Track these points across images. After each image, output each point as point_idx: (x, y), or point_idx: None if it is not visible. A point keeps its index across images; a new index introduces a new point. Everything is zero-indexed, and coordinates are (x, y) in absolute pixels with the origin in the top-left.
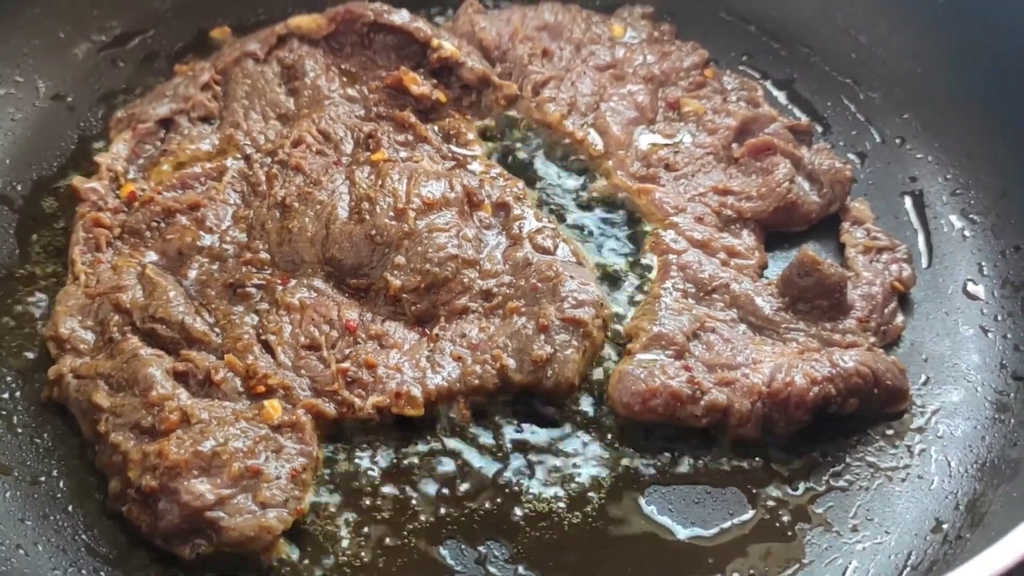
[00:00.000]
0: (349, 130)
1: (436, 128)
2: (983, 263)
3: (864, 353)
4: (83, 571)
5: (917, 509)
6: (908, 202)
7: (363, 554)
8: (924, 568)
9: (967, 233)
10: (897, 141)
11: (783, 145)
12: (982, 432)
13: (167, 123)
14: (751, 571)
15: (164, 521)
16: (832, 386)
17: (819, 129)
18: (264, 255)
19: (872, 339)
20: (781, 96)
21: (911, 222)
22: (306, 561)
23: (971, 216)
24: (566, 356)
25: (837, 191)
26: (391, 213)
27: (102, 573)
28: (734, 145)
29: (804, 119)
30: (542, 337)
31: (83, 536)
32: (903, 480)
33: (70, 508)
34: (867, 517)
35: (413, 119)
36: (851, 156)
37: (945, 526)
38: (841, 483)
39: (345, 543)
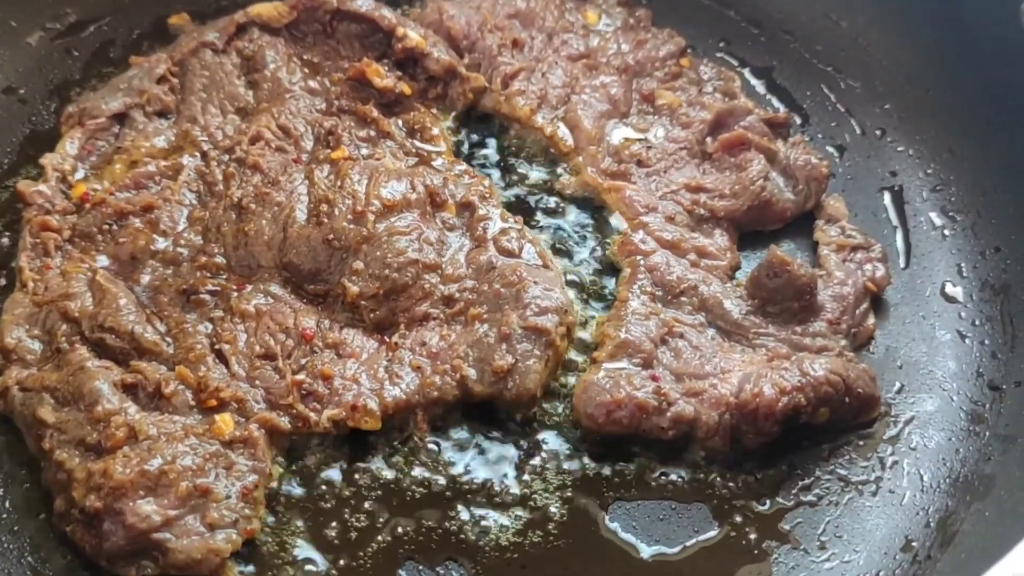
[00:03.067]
0: (310, 125)
1: (400, 122)
2: (962, 264)
3: (835, 360)
4: None
5: (887, 526)
6: (887, 198)
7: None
8: None
9: (947, 232)
10: (877, 133)
11: (758, 140)
12: (956, 445)
13: (121, 118)
14: None
15: (109, 543)
16: (802, 395)
17: (797, 120)
18: (219, 259)
19: (843, 342)
20: (759, 85)
21: (889, 219)
22: None
23: (951, 214)
24: (528, 366)
25: (813, 188)
26: (349, 216)
27: None
28: (708, 139)
29: (782, 109)
30: (504, 346)
31: (29, 559)
32: (874, 494)
33: (15, 528)
34: (836, 534)
35: (376, 114)
36: (830, 149)
37: (915, 544)
38: (810, 497)
39: (298, 564)
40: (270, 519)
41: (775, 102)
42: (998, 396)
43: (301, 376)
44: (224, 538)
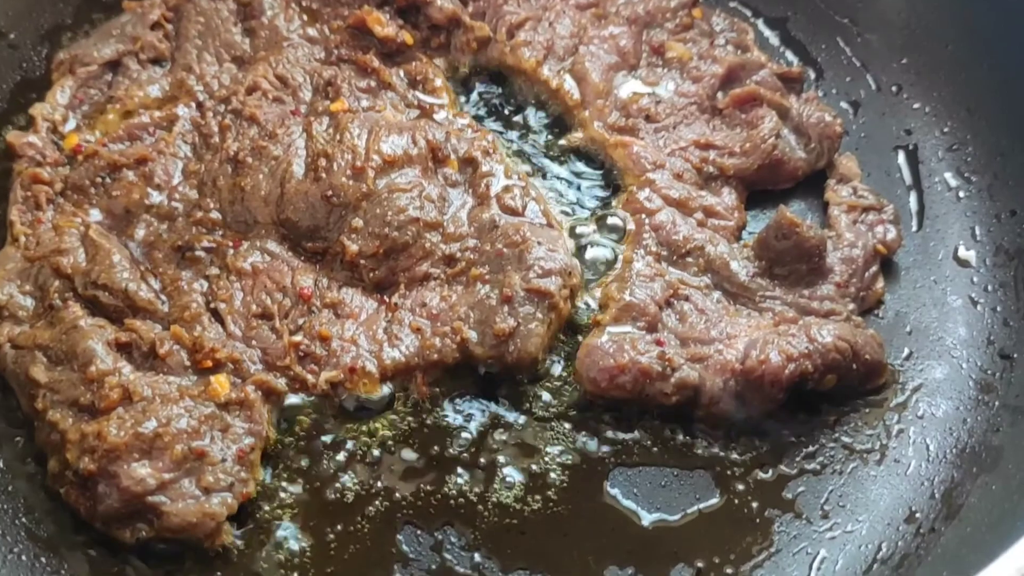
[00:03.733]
0: (308, 75)
1: (401, 73)
2: (976, 227)
3: (842, 326)
4: (23, 557)
5: (891, 496)
6: (901, 157)
7: (313, 540)
8: (894, 562)
9: (961, 194)
10: (893, 89)
11: (770, 95)
12: (964, 414)
13: (113, 65)
14: (716, 560)
15: (103, 505)
16: (809, 362)
17: (811, 75)
18: (215, 215)
19: (851, 306)
20: (773, 36)
21: (903, 179)
22: (250, 550)
23: (967, 175)
24: (530, 330)
25: (825, 146)
26: (349, 171)
27: (42, 559)
28: (719, 94)
29: (796, 63)
30: (505, 308)
31: (23, 519)
32: (878, 463)
33: (10, 489)
34: (839, 503)
35: (376, 64)
36: (844, 105)
37: (919, 516)
38: (814, 466)
39: (294, 528)
40: (266, 482)
41: (789, 55)
42: (1008, 365)
43: (298, 337)
44: (219, 502)
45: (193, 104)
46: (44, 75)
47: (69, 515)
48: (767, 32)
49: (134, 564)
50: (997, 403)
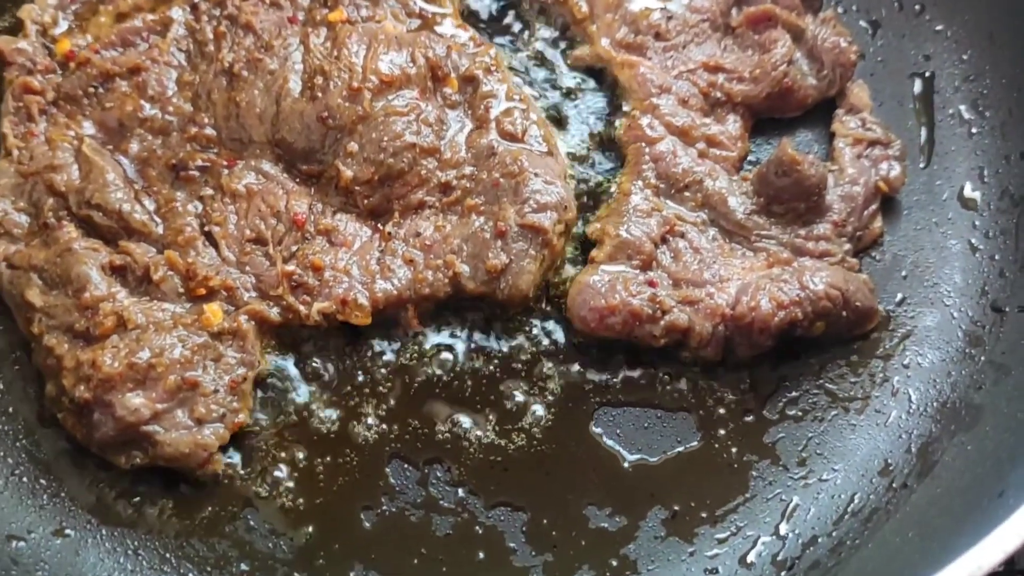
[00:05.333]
0: None
1: None
2: (985, 168)
3: (834, 273)
4: (24, 479)
5: (868, 446)
6: (916, 86)
7: (302, 471)
8: (864, 515)
9: (974, 130)
10: (916, 8)
11: (785, 16)
12: (949, 367)
13: None
14: (692, 504)
15: (99, 432)
16: (799, 310)
17: None
18: (210, 131)
19: (846, 246)
20: None
21: (916, 110)
22: (242, 477)
23: (981, 109)
24: (522, 267)
25: (838, 74)
26: (345, 92)
27: (42, 480)
28: (734, 11)
29: None
30: (499, 243)
31: (23, 441)
32: (859, 412)
33: (10, 410)
34: (816, 451)
35: None
36: (863, 24)
37: (893, 469)
38: (796, 412)
39: (283, 460)
40: (258, 414)
41: None
42: (999, 319)
43: (291, 267)
44: (211, 432)
45: (187, 7)
46: None
47: (67, 437)
48: None
49: (131, 486)
50: (983, 358)
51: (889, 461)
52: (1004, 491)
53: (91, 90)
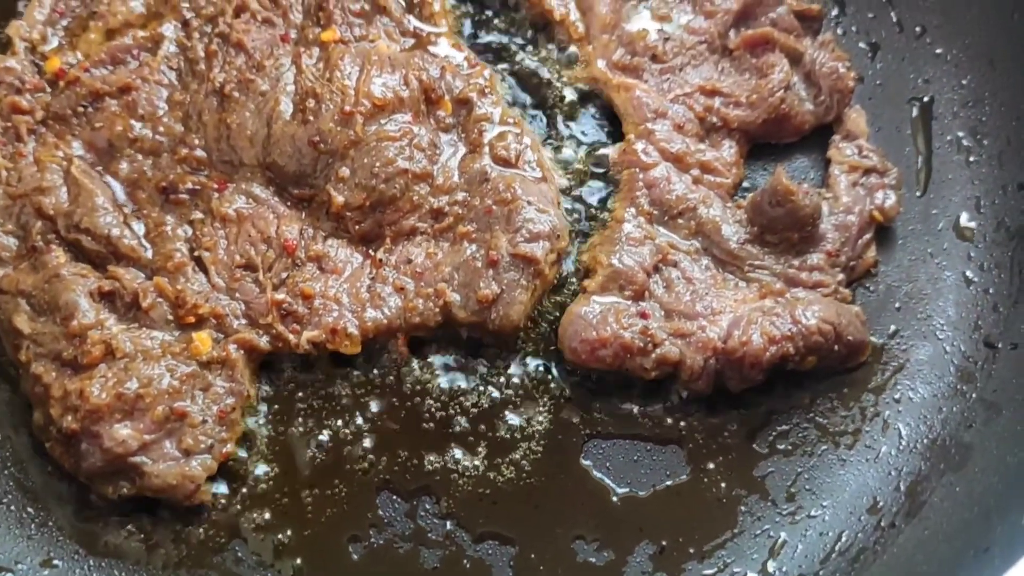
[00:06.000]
0: None
1: None
2: (981, 197)
3: (827, 307)
4: (12, 507)
5: (857, 483)
6: (915, 111)
7: (290, 502)
8: (851, 555)
9: (971, 158)
10: (917, 30)
11: (783, 39)
12: (940, 403)
13: None
14: (680, 539)
15: (86, 463)
16: (791, 345)
17: (833, 11)
18: (200, 152)
19: (840, 276)
20: None
21: (913, 137)
22: (230, 508)
23: (979, 136)
24: (513, 297)
25: (835, 100)
26: (337, 116)
27: (29, 509)
28: (732, 33)
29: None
30: (490, 272)
31: (11, 470)
32: (849, 447)
33: None
34: (805, 486)
35: None
36: (862, 45)
37: (881, 507)
38: (785, 446)
39: (273, 489)
40: (245, 444)
41: None
42: (992, 355)
43: (281, 295)
44: (199, 463)
45: (178, 23)
46: None
47: (56, 466)
48: None
49: (119, 517)
50: (974, 395)
51: (878, 499)
52: (990, 548)
53: (80, 109)
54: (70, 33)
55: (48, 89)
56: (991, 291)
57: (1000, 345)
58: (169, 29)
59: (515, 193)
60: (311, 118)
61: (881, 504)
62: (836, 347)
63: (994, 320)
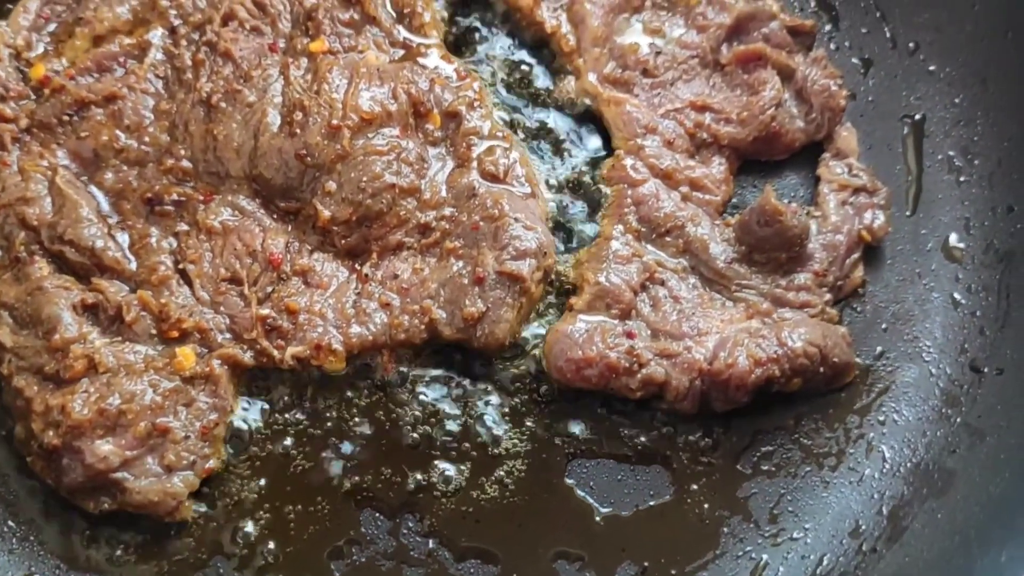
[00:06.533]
0: (289, 2)
1: (388, 3)
2: (971, 218)
3: (813, 329)
4: None
5: (840, 505)
6: (907, 129)
7: (273, 519)
8: None
9: (962, 178)
10: (910, 47)
11: (775, 56)
12: (924, 426)
13: None
14: (662, 560)
15: (68, 478)
16: (776, 367)
17: (826, 26)
18: (186, 163)
19: (827, 296)
20: None
21: (904, 155)
22: (212, 524)
23: (971, 156)
24: (499, 315)
25: (826, 118)
26: (324, 130)
27: (10, 523)
28: (724, 47)
29: (811, 10)
30: (476, 290)
31: None
32: (833, 469)
33: None
34: (788, 508)
35: None
36: (855, 61)
37: (863, 531)
38: (769, 467)
39: (254, 505)
40: (228, 457)
41: None
42: (977, 380)
43: (266, 310)
44: (181, 480)
45: (166, 30)
46: None
47: (37, 480)
48: None
49: (101, 531)
50: (959, 420)
51: (860, 522)
52: None
53: (66, 118)
54: (56, 39)
55: (33, 96)
56: (978, 314)
57: (986, 369)
58: (156, 36)
59: (502, 209)
60: (298, 131)
61: (863, 528)
62: (822, 369)
63: (980, 344)
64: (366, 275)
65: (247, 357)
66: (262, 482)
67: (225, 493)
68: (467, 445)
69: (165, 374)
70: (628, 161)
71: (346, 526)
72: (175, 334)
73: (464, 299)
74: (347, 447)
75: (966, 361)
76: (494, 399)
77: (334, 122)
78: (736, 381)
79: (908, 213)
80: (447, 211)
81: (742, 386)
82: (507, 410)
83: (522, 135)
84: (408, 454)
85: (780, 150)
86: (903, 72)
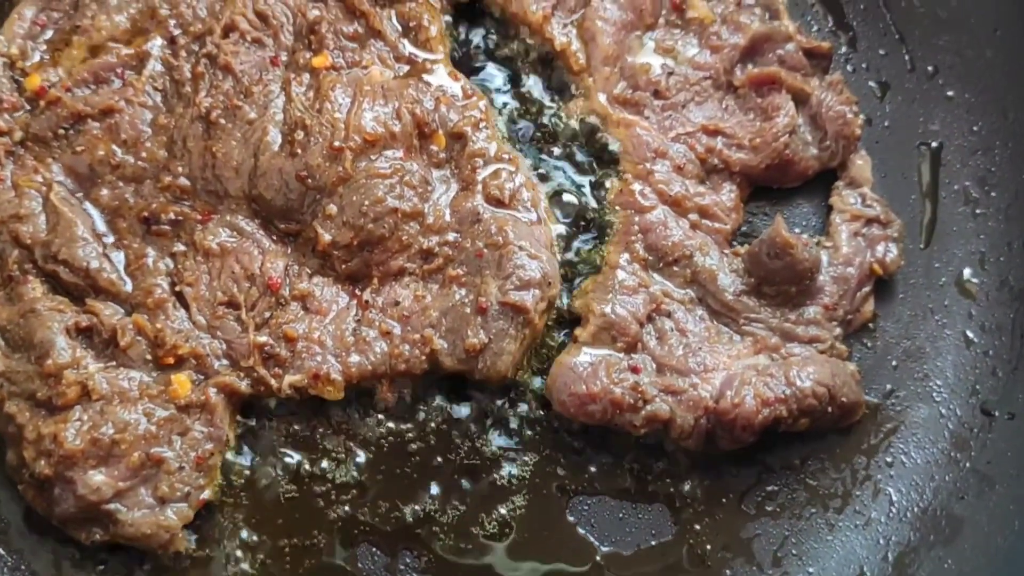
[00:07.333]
0: (291, 13)
1: (393, 17)
2: (986, 252)
3: (822, 368)
4: None
5: (844, 550)
6: (923, 157)
7: (269, 552)
8: None
9: (978, 210)
10: (929, 70)
11: (790, 80)
12: (933, 470)
13: None
14: None
15: (59, 508)
16: (784, 407)
17: (842, 47)
18: (184, 180)
19: (836, 331)
20: None
21: (920, 185)
22: (206, 556)
23: (987, 188)
24: (501, 347)
25: (840, 146)
26: (326, 151)
27: (1, 551)
28: (738, 69)
29: (829, 30)
30: (479, 320)
31: None
32: (838, 512)
33: None
34: (792, 550)
35: (366, 6)
36: (872, 84)
37: None
38: (773, 507)
39: (249, 539)
40: (222, 489)
41: (823, 14)
42: (988, 423)
43: (264, 338)
44: (175, 512)
45: (165, 40)
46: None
47: (29, 507)
48: None
49: (92, 561)
50: (968, 465)
51: (864, 568)
52: None
53: (61, 132)
54: (52, 47)
55: (27, 107)
56: (991, 353)
57: (997, 413)
58: (155, 46)
59: (507, 237)
60: (299, 151)
61: (868, 574)
62: (830, 409)
63: (992, 386)
64: (367, 301)
65: (244, 385)
66: (256, 514)
67: (219, 524)
68: (467, 480)
69: (160, 402)
70: (636, 186)
71: (343, 561)
72: (171, 360)
73: (466, 329)
74: (345, 480)
75: (977, 403)
76: (495, 434)
77: (336, 143)
78: (743, 421)
79: (922, 246)
80: (450, 236)
81: (748, 426)
82: (508, 445)
83: (528, 159)
84: (407, 488)
85: (793, 178)
86: (921, 97)
